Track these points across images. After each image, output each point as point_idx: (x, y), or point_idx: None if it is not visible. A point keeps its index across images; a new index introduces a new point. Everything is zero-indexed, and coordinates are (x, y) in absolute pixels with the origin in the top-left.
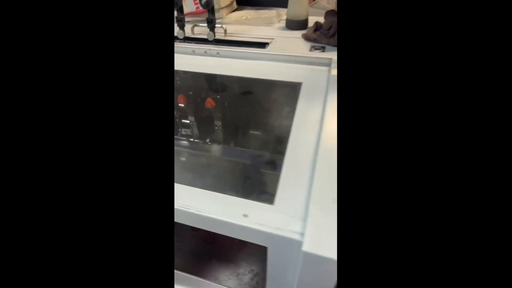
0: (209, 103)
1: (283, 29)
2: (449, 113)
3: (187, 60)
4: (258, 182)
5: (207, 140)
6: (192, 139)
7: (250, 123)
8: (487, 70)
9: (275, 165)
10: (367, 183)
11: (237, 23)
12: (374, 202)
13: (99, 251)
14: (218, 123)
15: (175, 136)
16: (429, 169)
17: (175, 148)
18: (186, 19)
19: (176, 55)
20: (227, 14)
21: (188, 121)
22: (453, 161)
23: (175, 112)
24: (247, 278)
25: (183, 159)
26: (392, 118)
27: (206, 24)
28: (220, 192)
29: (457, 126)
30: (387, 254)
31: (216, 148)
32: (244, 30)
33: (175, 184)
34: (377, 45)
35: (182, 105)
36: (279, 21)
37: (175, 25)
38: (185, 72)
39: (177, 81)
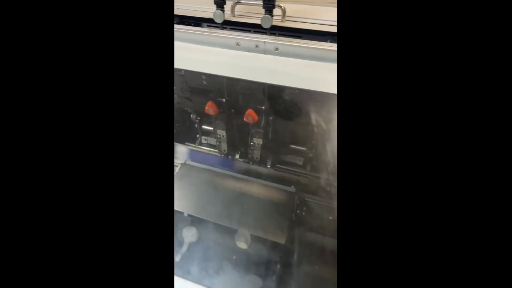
0: (250, 115)
1: None
2: (449, 112)
3: (229, 58)
4: None
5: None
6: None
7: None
8: (485, 69)
9: None
10: (368, 189)
11: (289, 1)
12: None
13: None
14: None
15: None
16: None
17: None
18: None
19: (210, 49)
20: None
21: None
22: (451, 168)
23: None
24: None
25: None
26: (393, 120)
27: (257, 2)
28: None
29: (457, 126)
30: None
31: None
32: (305, 12)
33: None
34: (377, 45)
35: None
36: None
37: (212, 2)
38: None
39: (204, 82)
